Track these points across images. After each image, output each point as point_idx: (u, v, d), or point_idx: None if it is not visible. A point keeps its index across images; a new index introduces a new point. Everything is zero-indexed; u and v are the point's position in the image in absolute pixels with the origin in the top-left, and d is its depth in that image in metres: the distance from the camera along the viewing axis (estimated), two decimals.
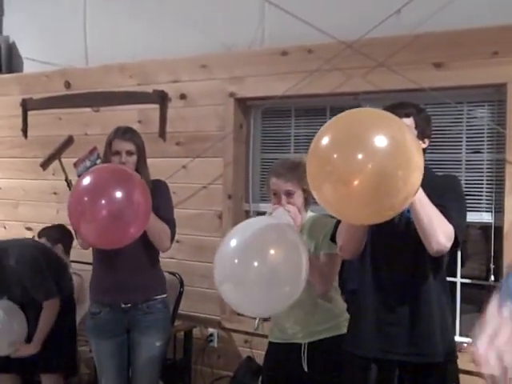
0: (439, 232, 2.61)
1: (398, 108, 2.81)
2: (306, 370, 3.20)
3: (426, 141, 2.87)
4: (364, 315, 2.90)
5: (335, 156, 2.29)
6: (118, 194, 3.21)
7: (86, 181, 3.29)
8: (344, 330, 3.11)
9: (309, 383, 3.21)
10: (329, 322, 3.22)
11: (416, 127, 2.81)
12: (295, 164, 3.25)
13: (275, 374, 3.34)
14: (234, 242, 2.83)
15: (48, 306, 4.15)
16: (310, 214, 3.33)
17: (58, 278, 4.21)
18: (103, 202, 3.18)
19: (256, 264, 2.74)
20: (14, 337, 4.16)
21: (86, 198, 3.24)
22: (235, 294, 2.83)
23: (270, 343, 3.40)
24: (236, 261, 2.78)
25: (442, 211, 2.63)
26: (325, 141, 2.36)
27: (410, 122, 2.79)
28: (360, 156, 2.23)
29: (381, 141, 2.25)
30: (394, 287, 2.83)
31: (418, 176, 2.33)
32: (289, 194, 3.17)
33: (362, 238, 2.82)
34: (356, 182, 2.23)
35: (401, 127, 2.37)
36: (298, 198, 3.20)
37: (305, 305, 3.16)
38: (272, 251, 2.80)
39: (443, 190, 2.76)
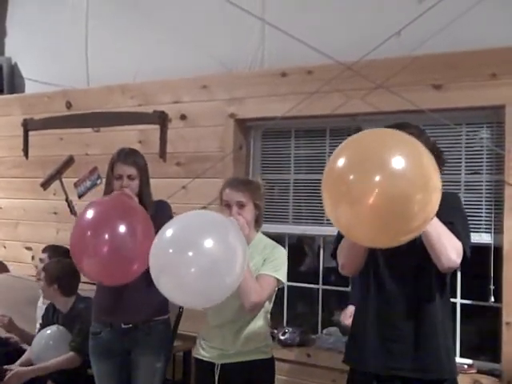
0: (449, 248, 2.61)
1: (400, 128, 2.82)
2: None
3: None
4: (367, 331, 2.87)
5: (351, 177, 2.26)
6: (122, 230, 3.20)
7: (89, 215, 3.27)
8: (262, 356, 3.22)
9: None
10: (249, 345, 3.22)
11: None
12: (249, 180, 3.42)
13: None
14: (169, 232, 2.81)
15: (69, 357, 4.25)
16: (260, 234, 3.35)
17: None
18: (106, 237, 3.17)
19: (191, 254, 2.69)
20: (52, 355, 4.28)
21: (88, 233, 3.23)
22: (170, 285, 2.78)
23: (194, 358, 3.42)
24: (170, 251, 2.75)
25: (449, 228, 2.63)
26: (341, 161, 2.32)
27: None
28: (377, 178, 2.19)
29: (398, 162, 2.21)
30: (396, 303, 2.82)
31: (436, 198, 2.30)
32: (240, 206, 3.19)
33: (364, 255, 2.81)
34: (373, 204, 2.20)
35: (418, 147, 2.34)
36: (249, 211, 3.23)
37: (232, 325, 3.20)
38: (208, 243, 2.73)
39: (448, 208, 2.76)
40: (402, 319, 2.80)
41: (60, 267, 4.39)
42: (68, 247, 4.83)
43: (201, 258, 2.70)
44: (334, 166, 2.35)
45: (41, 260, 4.92)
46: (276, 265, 3.20)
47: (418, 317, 2.79)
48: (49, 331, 4.42)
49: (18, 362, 4.51)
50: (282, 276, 3.21)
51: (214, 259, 2.71)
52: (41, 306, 4.86)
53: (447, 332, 2.87)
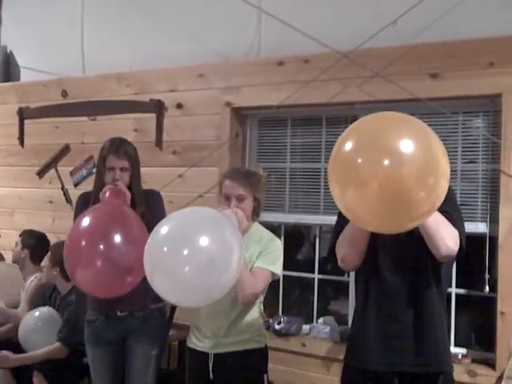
0: (446, 236, 2.61)
1: None
2: (211, 378, 3.23)
3: None
4: (368, 330, 2.86)
5: (359, 161, 2.21)
6: (117, 240, 3.13)
7: (84, 224, 3.19)
8: (255, 346, 3.23)
9: None
10: (242, 335, 3.23)
11: None
12: (251, 172, 3.32)
13: (192, 379, 3.38)
14: (164, 230, 2.74)
15: (56, 348, 4.29)
16: (256, 224, 3.34)
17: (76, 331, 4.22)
18: (101, 248, 3.10)
19: (186, 252, 2.62)
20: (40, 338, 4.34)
21: (83, 243, 3.16)
22: (164, 284, 2.72)
23: (188, 348, 3.41)
24: (165, 249, 2.67)
25: (446, 217, 2.63)
26: (348, 145, 2.28)
27: None
28: (385, 161, 2.16)
29: (406, 146, 2.17)
30: (396, 296, 2.81)
31: (444, 184, 2.27)
32: (240, 199, 3.17)
33: (364, 248, 2.80)
34: (381, 187, 2.17)
35: (426, 131, 2.31)
36: (249, 204, 3.21)
37: (225, 315, 3.21)
38: (204, 241, 2.66)
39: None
40: (402, 312, 2.80)
41: (60, 248, 4.38)
42: (43, 233, 5.00)
43: (196, 256, 2.65)
44: (341, 150, 2.31)
45: (16, 243, 5.00)
46: (272, 258, 3.20)
47: (417, 309, 2.79)
48: (37, 313, 4.45)
49: None
50: (278, 269, 3.22)
51: (209, 257, 2.65)
52: (26, 289, 4.93)
53: (444, 324, 2.88)
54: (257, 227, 3.33)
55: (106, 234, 3.16)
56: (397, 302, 2.81)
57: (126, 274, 3.19)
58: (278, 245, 3.29)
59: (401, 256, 2.81)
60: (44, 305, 4.57)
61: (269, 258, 3.19)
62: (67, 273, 3.27)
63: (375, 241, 2.81)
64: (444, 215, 2.62)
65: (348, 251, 2.82)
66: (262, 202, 3.32)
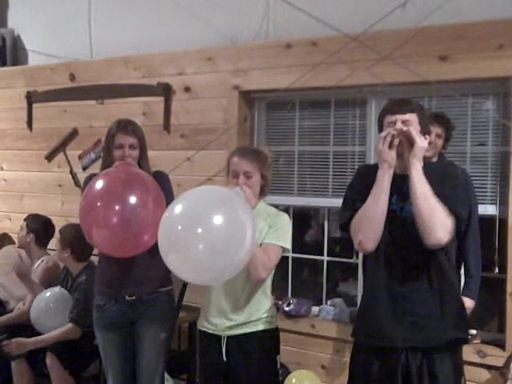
0: (438, 227, 2.65)
1: (403, 104, 2.86)
2: (225, 360, 3.25)
3: (428, 137, 2.88)
4: (378, 307, 2.88)
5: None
6: (132, 201, 3.16)
7: (98, 186, 3.23)
8: (267, 326, 3.25)
9: (229, 372, 3.27)
10: (253, 316, 3.24)
11: (419, 123, 2.83)
12: (258, 151, 3.37)
13: (205, 361, 3.40)
14: (179, 208, 2.82)
15: (68, 329, 4.37)
16: (262, 202, 3.35)
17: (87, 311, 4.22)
18: (116, 208, 3.13)
19: (200, 231, 2.69)
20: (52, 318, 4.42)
21: (98, 204, 3.19)
22: (179, 262, 2.80)
23: (199, 331, 3.43)
24: (179, 227, 2.75)
25: (442, 200, 2.67)
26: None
27: (414, 117, 2.82)
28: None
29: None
30: (406, 275, 2.84)
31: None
32: (248, 176, 3.20)
33: (381, 232, 2.82)
34: None
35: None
36: (256, 181, 3.24)
37: (236, 296, 3.23)
38: (218, 219, 2.72)
39: (442, 179, 2.79)
40: (412, 290, 2.82)
41: (74, 232, 4.41)
42: (48, 217, 5.03)
43: (210, 235, 2.70)
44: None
45: (21, 227, 5.04)
46: (281, 232, 3.23)
47: (429, 284, 2.82)
48: (48, 293, 4.49)
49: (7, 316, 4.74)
50: (288, 243, 3.25)
51: (223, 236, 2.70)
52: (35, 270, 4.97)
53: (457, 294, 2.96)
54: (263, 205, 3.34)
55: (120, 193, 3.18)
56: (406, 281, 2.83)
57: (142, 233, 3.21)
58: (286, 219, 3.31)
59: (409, 242, 2.82)
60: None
61: (278, 233, 3.22)
62: (84, 235, 3.30)
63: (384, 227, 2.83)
64: (441, 199, 2.67)
65: (368, 234, 2.82)
66: (270, 181, 3.34)
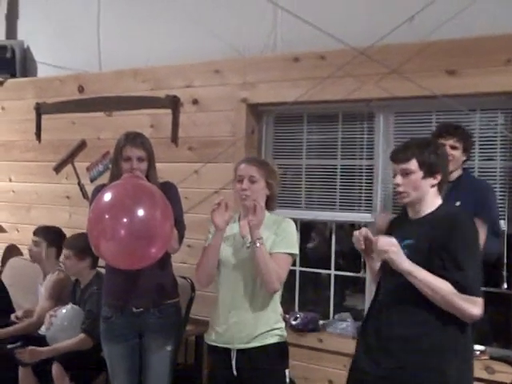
0: (464, 304, 2.81)
1: (399, 152, 2.88)
2: (235, 374, 3.25)
3: (437, 176, 2.84)
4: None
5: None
6: (140, 213, 3.16)
7: (107, 198, 3.24)
8: (276, 340, 3.25)
9: None
10: (262, 329, 3.24)
11: (420, 167, 2.82)
12: (265, 161, 3.48)
13: (214, 374, 3.42)
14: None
15: (81, 339, 4.34)
16: (267, 213, 3.35)
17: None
18: (124, 220, 3.13)
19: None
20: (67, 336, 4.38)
21: (106, 216, 3.20)
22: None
23: (207, 345, 3.42)
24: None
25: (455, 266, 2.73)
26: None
27: (413, 163, 2.81)
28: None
29: None
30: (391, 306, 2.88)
31: None
32: (253, 180, 3.24)
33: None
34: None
35: None
36: (260, 187, 3.27)
37: (245, 310, 3.23)
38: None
39: (449, 231, 2.75)
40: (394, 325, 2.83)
41: (83, 240, 4.37)
42: (59, 227, 4.98)
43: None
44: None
45: (34, 243, 4.92)
46: (288, 240, 3.27)
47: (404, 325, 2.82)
48: (64, 310, 4.45)
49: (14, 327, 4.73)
50: (295, 249, 3.30)
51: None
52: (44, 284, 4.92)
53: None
54: (266, 214, 3.32)
55: (129, 206, 3.19)
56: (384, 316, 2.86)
57: (150, 245, 3.22)
58: (291, 225, 3.34)
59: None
60: (69, 299, 4.60)
61: (285, 241, 3.26)
62: (92, 248, 3.30)
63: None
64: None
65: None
66: (276, 192, 3.36)
